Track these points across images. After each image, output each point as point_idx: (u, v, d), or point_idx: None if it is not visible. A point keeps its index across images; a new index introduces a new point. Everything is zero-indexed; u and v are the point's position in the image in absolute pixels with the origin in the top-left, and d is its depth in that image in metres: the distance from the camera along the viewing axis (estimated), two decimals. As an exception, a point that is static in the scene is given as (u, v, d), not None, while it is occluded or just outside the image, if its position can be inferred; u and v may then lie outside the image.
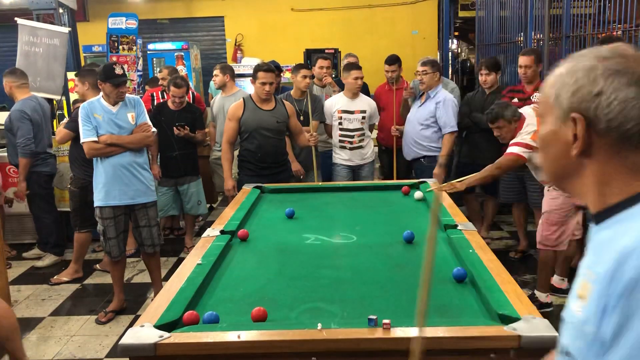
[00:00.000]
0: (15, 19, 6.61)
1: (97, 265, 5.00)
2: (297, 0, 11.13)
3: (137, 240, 4.15)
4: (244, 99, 4.43)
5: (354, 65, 4.98)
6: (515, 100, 4.59)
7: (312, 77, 5.54)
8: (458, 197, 5.67)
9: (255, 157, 4.30)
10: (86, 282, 4.74)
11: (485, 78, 4.95)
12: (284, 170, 4.47)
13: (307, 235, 2.91)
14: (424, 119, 4.83)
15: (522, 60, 4.55)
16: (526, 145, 3.57)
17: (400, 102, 5.29)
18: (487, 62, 5.03)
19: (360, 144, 4.88)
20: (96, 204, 3.86)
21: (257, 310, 1.92)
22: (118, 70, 3.73)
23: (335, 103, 4.89)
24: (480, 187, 5.17)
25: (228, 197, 4.25)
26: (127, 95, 3.88)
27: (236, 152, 4.57)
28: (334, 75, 5.84)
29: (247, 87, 7.43)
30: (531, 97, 4.52)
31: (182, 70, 8.62)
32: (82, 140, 3.76)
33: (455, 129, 4.78)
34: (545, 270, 3.85)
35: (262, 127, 4.26)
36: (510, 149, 3.66)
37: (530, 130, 3.58)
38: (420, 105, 4.94)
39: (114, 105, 3.80)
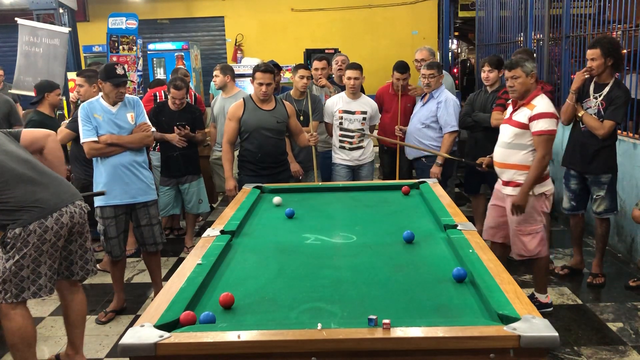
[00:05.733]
0: (16, 19, 6.62)
1: (97, 265, 4.97)
2: (297, 0, 11.13)
3: (138, 240, 4.14)
4: (244, 99, 4.43)
5: (349, 65, 4.97)
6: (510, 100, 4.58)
7: (312, 77, 5.55)
8: (461, 197, 5.70)
9: (256, 157, 4.30)
10: (86, 282, 4.73)
11: (487, 75, 4.90)
12: (284, 170, 4.48)
13: (307, 235, 2.91)
14: (425, 118, 4.84)
15: None
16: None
17: (405, 107, 5.28)
18: (490, 59, 4.99)
19: (360, 144, 4.88)
20: (97, 203, 3.86)
21: (224, 296, 2.02)
22: (119, 71, 3.74)
23: (336, 103, 4.90)
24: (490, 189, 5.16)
25: (229, 197, 4.25)
26: (126, 95, 3.89)
27: (236, 152, 4.57)
28: (333, 75, 5.84)
29: (247, 87, 7.45)
30: None
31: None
32: (82, 140, 3.76)
33: (456, 128, 4.78)
34: (540, 274, 3.84)
35: (263, 127, 4.26)
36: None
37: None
38: (422, 105, 4.94)
39: (113, 105, 3.81)
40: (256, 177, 4.22)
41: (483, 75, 4.99)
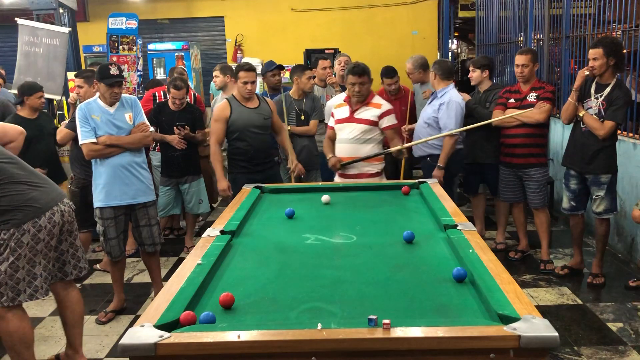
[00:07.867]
0: (16, 19, 6.61)
1: (97, 265, 5.00)
2: (297, 0, 11.12)
3: (136, 240, 4.15)
4: (227, 99, 4.46)
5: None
6: (512, 100, 4.59)
7: (313, 77, 5.58)
8: (462, 197, 5.68)
9: (248, 155, 4.35)
10: (86, 282, 4.74)
11: (470, 74, 5.06)
12: (274, 164, 4.62)
13: (307, 235, 2.91)
14: (427, 117, 4.81)
15: (519, 59, 4.56)
16: None
17: (401, 110, 5.29)
18: (475, 60, 5.22)
19: None
20: (96, 204, 3.86)
21: (224, 296, 2.02)
22: (113, 71, 3.73)
23: (335, 102, 4.89)
24: (489, 188, 5.18)
25: (224, 197, 4.29)
26: (124, 95, 3.88)
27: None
28: (334, 75, 5.86)
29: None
30: (527, 97, 4.52)
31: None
32: (80, 141, 3.76)
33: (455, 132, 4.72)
34: None
35: (252, 125, 4.33)
36: None
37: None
38: (428, 104, 4.93)
39: (110, 105, 3.80)
40: (249, 174, 4.28)
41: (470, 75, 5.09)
